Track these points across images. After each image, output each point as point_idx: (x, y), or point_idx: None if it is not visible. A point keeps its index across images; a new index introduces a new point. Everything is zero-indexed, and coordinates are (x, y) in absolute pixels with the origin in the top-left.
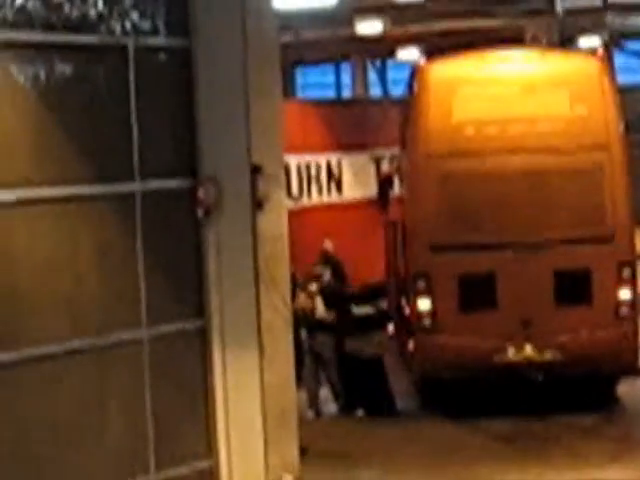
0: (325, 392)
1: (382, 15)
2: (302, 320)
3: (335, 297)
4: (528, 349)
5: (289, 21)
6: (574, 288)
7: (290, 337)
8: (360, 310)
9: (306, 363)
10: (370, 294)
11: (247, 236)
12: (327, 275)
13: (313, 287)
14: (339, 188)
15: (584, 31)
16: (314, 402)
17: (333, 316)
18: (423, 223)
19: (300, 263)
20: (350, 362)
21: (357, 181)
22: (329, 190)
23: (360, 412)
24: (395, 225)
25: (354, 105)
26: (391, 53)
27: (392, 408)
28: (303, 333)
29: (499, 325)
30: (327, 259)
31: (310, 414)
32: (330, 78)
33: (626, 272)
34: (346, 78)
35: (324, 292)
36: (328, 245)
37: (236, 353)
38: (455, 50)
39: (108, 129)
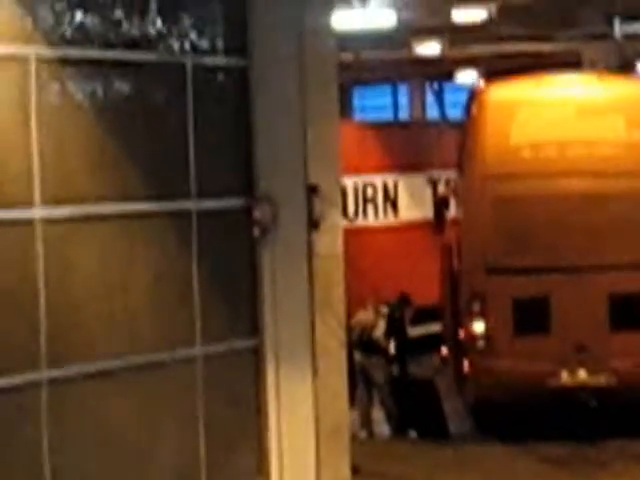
0: (378, 413)
1: (441, 37)
2: (357, 339)
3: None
4: (582, 373)
5: (347, 42)
6: (629, 313)
7: (344, 357)
8: (415, 332)
9: (359, 384)
10: (425, 316)
11: (302, 256)
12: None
13: (384, 309)
14: (395, 209)
15: None
16: (366, 422)
17: (387, 343)
18: (479, 245)
19: (354, 284)
20: (403, 384)
21: (413, 202)
22: (385, 211)
23: (413, 433)
24: (450, 247)
25: (411, 127)
26: (449, 75)
27: (444, 430)
28: (357, 354)
29: (553, 349)
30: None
31: (363, 434)
32: (387, 100)
33: None
34: (403, 100)
35: (390, 320)
36: None
37: (289, 372)
38: (513, 73)
39: (165, 147)
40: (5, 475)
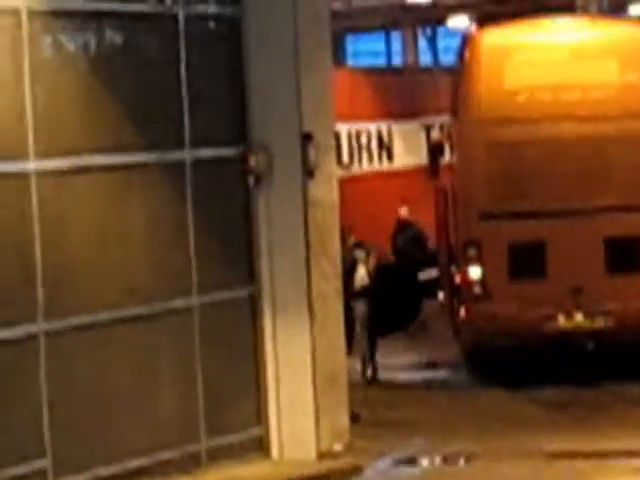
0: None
1: None
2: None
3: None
4: (578, 317)
5: None
6: (624, 256)
7: (340, 304)
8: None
9: (357, 329)
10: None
11: (298, 204)
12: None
13: (360, 253)
14: (389, 156)
15: None
16: (365, 367)
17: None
18: (473, 191)
19: (350, 230)
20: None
21: (407, 149)
22: (380, 158)
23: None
24: (445, 193)
25: (404, 73)
26: (441, 21)
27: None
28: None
29: (549, 293)
30: (404, 227)
31: (363, 380)
32: (380, 46)
33: None
34: (397, 46)
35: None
36: (404, 212)
37: (286, 320)
38: (506, 18)
39: (159, 97)
40: (6, 425)
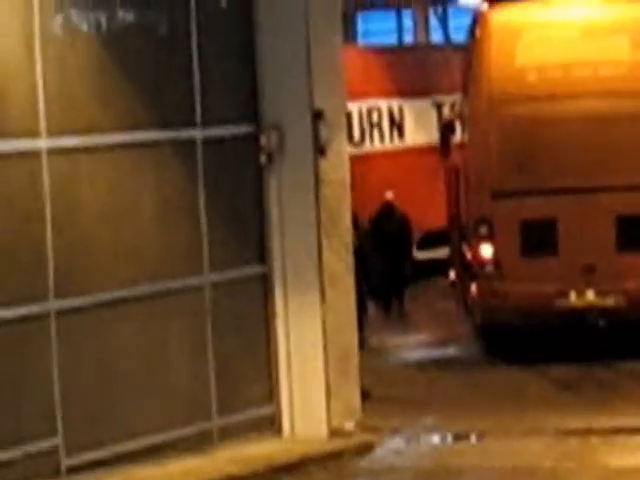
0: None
1: None
2: None
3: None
4: (590, 294)
5: None
6: (636, 234)
7: (352, 282)
8: (422, 255)
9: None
10: (433, 241)
11: (309, 182)
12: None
13: None
14: (401, 134)
15: None
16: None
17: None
18: (485, 169)
19: (361, 208)
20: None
21: (419, 127)
22: (391, 136)
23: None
24: (457, 171)
25: (416, 51)
26: None
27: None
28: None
29: (561, 270)
30: (389, 211)
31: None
32: (391, 24)
33: None
34: (408, 24)
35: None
36: (389, 195)
37: (298, 298)
38: None
39: (170, 75)
40: (18, 404)
